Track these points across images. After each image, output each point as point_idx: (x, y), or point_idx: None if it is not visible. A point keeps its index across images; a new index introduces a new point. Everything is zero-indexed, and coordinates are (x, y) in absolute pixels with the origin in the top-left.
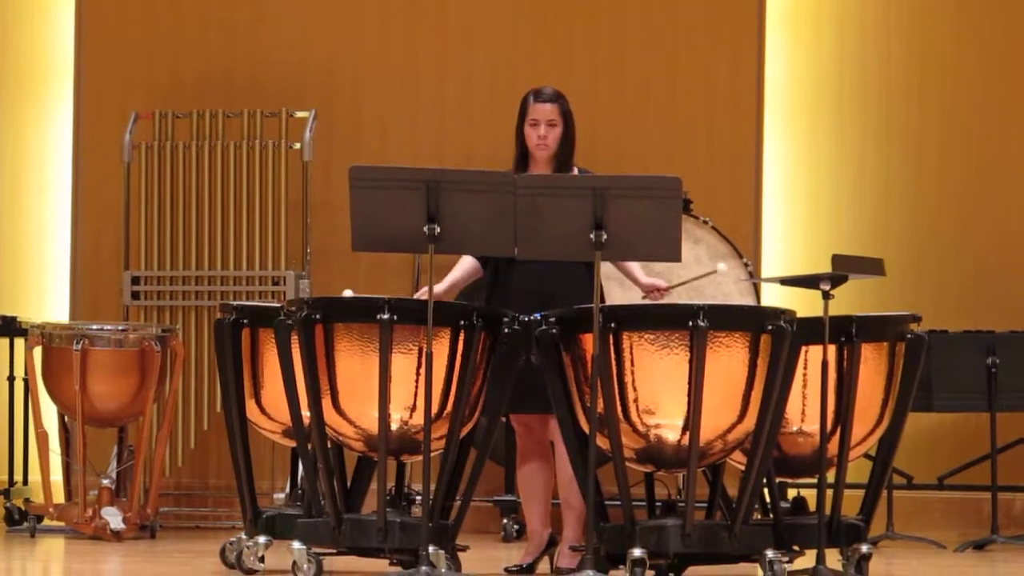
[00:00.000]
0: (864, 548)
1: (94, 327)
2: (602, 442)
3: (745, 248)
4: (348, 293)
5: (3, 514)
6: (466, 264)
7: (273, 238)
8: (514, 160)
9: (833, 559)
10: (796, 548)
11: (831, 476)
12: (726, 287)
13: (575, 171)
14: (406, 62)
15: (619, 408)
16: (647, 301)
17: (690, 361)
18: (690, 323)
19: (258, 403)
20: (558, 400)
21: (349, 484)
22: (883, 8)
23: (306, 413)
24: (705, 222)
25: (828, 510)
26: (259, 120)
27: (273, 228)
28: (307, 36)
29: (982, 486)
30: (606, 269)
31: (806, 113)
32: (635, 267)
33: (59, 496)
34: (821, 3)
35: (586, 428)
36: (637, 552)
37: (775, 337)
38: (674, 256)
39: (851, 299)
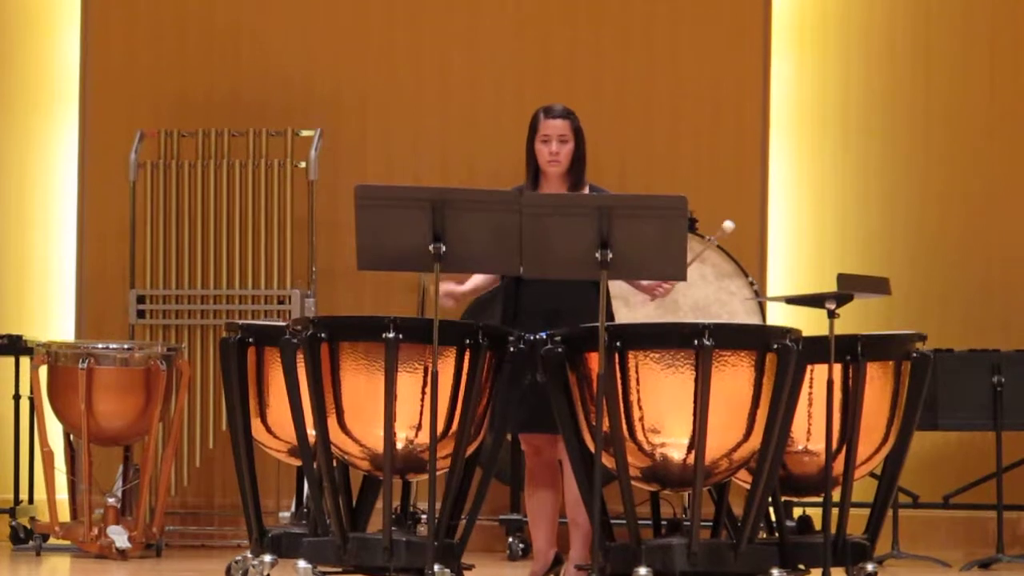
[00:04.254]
0: (869, 567)
1: (99, 346)
2: (608, 461)
3: (750, 267)
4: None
5: (9, 533)
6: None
7: (279, 257)
8: (527, 178)
9: None
10: (801, 567)
11: (836, 495)
12: (732, 306)
13: (587, 188)
14: (411, 81)
15: (624, 427)
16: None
17: (695, 380)
18: (695, 342)
19: (263, 422)
20: (564, 419)
21: (354, 503)
22: (888, 25)
23: (311, 432)
24: (710, 240)
25: (834, 529)
26: (264, 139)
27: (279, 247)
28: (312, 55)
29: (987, 505)
30: (613, 288)
31: (811, 132)
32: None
33: (64, 515)
34: (826, 20)
35: (592, 447)
36: (643, 571)
37: (781, 356)
38: (679, 275)
39: (856, 318)
